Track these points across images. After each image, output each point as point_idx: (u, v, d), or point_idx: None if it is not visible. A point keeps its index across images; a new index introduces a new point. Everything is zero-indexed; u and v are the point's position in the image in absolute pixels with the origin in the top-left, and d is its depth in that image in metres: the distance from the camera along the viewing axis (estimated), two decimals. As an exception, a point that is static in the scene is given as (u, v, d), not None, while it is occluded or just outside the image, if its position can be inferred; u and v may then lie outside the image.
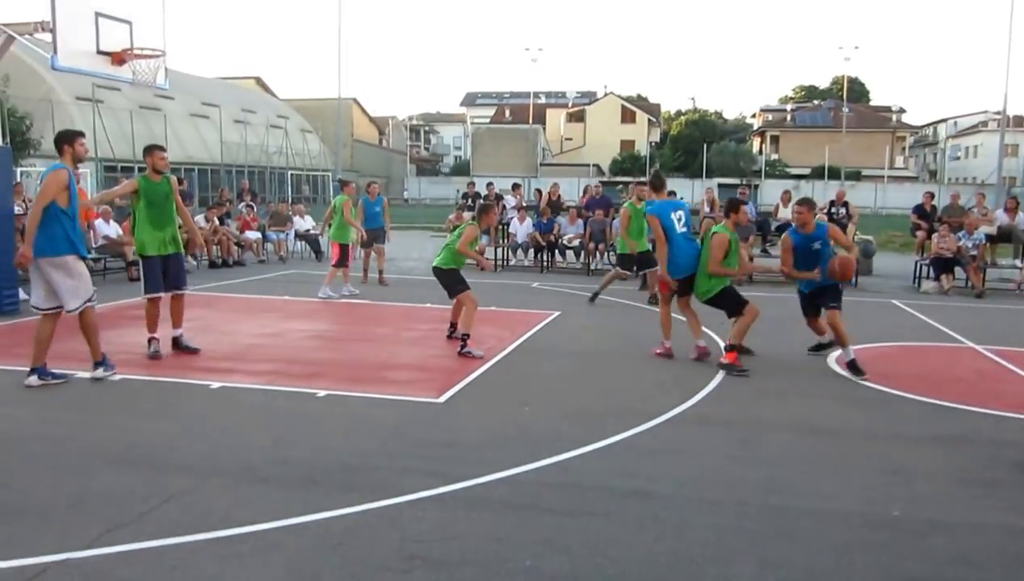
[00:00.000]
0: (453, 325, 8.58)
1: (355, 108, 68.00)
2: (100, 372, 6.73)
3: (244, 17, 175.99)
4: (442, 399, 6.37)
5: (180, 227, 7.94)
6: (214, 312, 10.45)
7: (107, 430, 5.44)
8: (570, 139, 73.85)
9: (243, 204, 18.84)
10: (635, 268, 12.17)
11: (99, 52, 9.82)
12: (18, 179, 11.07)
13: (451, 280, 8.26)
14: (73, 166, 6.60)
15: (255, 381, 6.82)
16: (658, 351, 8.19)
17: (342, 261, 12.13)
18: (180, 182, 18.75)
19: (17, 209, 10.95)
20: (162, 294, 7.68)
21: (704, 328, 8.20)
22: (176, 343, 7.82)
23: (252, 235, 17.41)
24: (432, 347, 8.42)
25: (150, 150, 7.73)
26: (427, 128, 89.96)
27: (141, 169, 7.98)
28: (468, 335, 7.98)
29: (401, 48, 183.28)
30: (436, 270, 8.36)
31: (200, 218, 16.43)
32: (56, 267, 6.39)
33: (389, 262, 14.62)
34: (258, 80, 65.12)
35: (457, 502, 4.28)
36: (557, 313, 10.70)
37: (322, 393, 6.41)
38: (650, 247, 11.40)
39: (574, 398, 6.53)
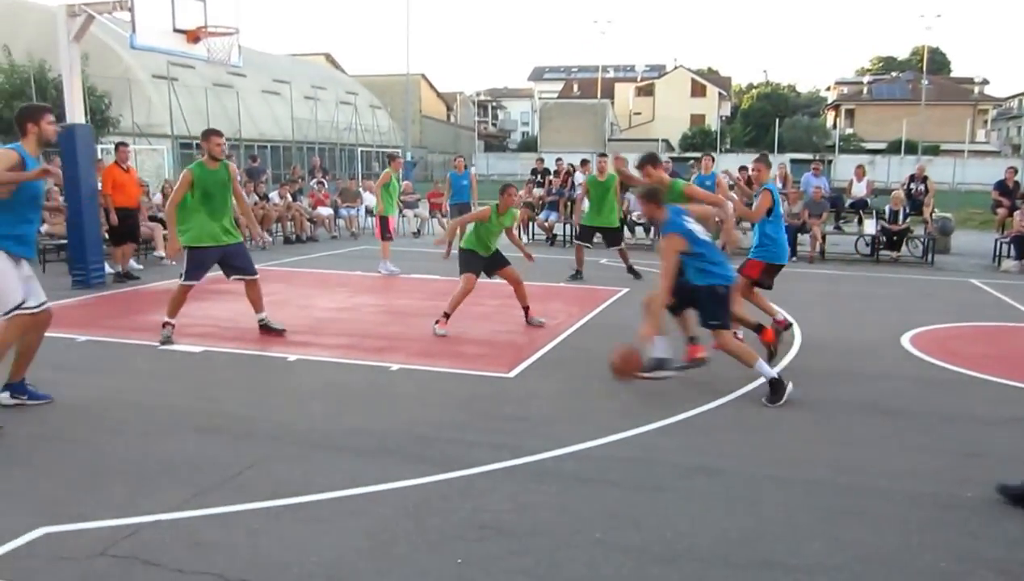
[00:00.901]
0: (526, 309, 8.52)
1: (423, 84, 68.19)
2: (5, 397, 5.42)
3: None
4: (512, 374, 6.46)
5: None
6: (289, 287, 10.75)
7: (192, 399, 5.69)
8: (639, 113, 72.83)
9: (315, 181, 19.22)
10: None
11: (175, 30, 10.10)
12: (99, 156, 11.50)
13: (462, 260, 8.14)
14: (37, 149, 5.28)
15: (330, 354, 7.02)
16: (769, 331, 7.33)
17: (385, 234, 12.21)
18: (254, 160, 19.35)
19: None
20: (195, 284, 7.44)
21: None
22: (263, 326, 7.71)
23: (324, 211, 17.76)
24: (501, 323, 8.51)
25: (207, 136, 7.36)
26: (495, 103, 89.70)
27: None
28: (448, 315, 7.88)
29: (469, 23, 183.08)
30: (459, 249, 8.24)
31: (274, 195, 16.85)
32: None
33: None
34: (328, 56, 65.78)
35: (527, 475, 4.36)
36: (625, 290, 10.67)
37: (395, 367, 6.56)
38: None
39: (643, 374, 6.53)
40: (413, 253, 14.43)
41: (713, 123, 66.47)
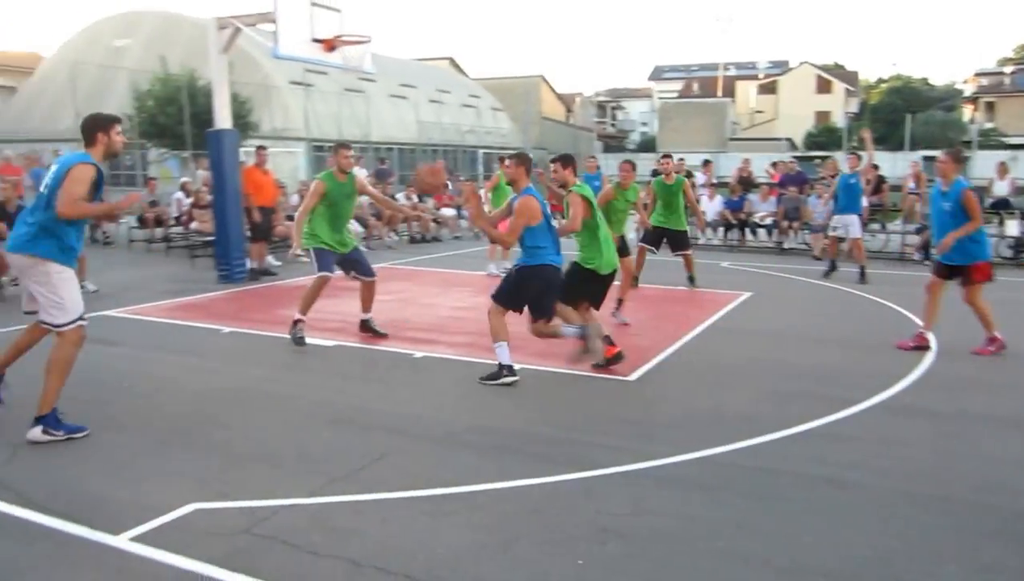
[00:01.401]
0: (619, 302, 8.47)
1: (543, 86, 68.60)
2: (37, 433, 4.86)
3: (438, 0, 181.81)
4: (632, 377, 6.45)
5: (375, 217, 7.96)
6: (415, 285, 11.08)
7: (326, 391, 5.99)
8: (761, 112, 70.76)
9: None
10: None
11: (313, 40, 10.59)
12: (242, 159, 12.20)
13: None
14: (103, 160, 5.06)
15: (454, 352, 7.21)
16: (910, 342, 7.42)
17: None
18: (382, 162, 19.99)
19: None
20: (331, 275, 7.61)
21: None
22: (364, 325, 7.86)
23: (448, 212, 18.17)
24: (621, 325, 8.50)
25: (337, 149, 7.63)
26: (614, 104, 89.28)
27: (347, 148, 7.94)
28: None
29: (588, 24, 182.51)
30: None
31: (400, 196, 17.38)
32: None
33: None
34: (451, 60, 67.15)
35: (648, 480, 4.37)
36: (748, 293, 10.46)
37: (517, 366, 6.65)
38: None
39: (767, 381, 6.41)
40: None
41: (839, 120, 63.80)
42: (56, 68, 38.33)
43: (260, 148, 12.38)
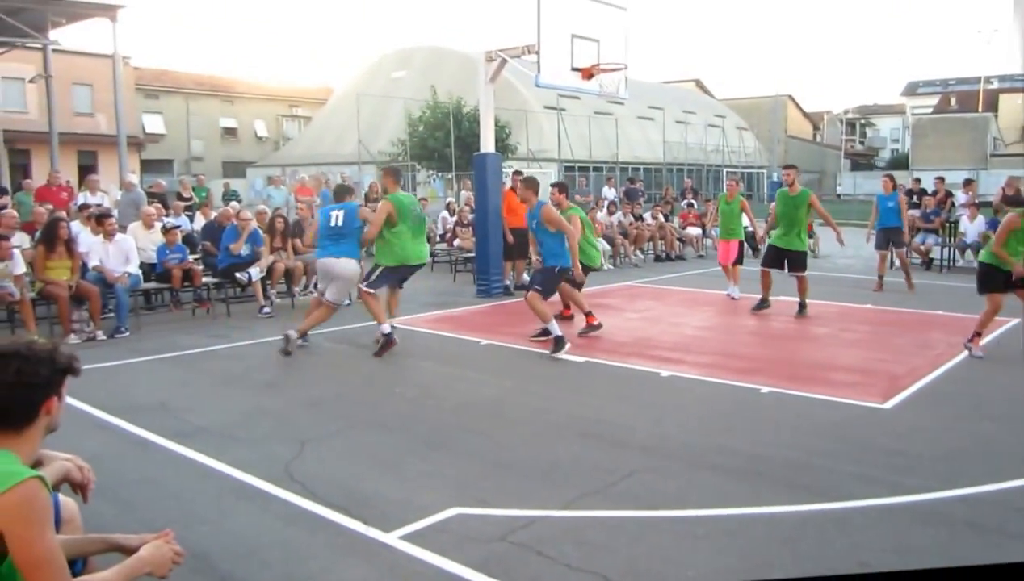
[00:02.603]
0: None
1: (789, 104, 66.06)
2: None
3: (687, 23, 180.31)
4: (888, 405, 6.10)
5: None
6: (661, 304, 11.14)
7: (576, 406, 6.21)
8: (1030, 126, 62.84)
9: (685, 201, 19.61)
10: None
11: (573, 69, 11.05)
12: (504, 180, 12.95)
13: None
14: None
15: (700, 372, 7.19)
16: None
17: (738, 258, 11.64)
18: (632, 182, 20.24)
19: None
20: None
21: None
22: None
23: (693, 231, 18.04)
24: (873, 349, 8.03)
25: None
26: (863, 121, 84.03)
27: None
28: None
29: (839, 41, 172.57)
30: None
31: (647, 215, 17.52)
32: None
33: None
34: (697, 82, 66.46)
35: (910, 515, 4.13)
36: (1016, 320, 9.41)
37: (765, 389, 6.54)
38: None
39: (1045, 417, 5.79)
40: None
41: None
42: (344, 99, 42.75)
43: (516, 172, 13.07)
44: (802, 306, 10.03)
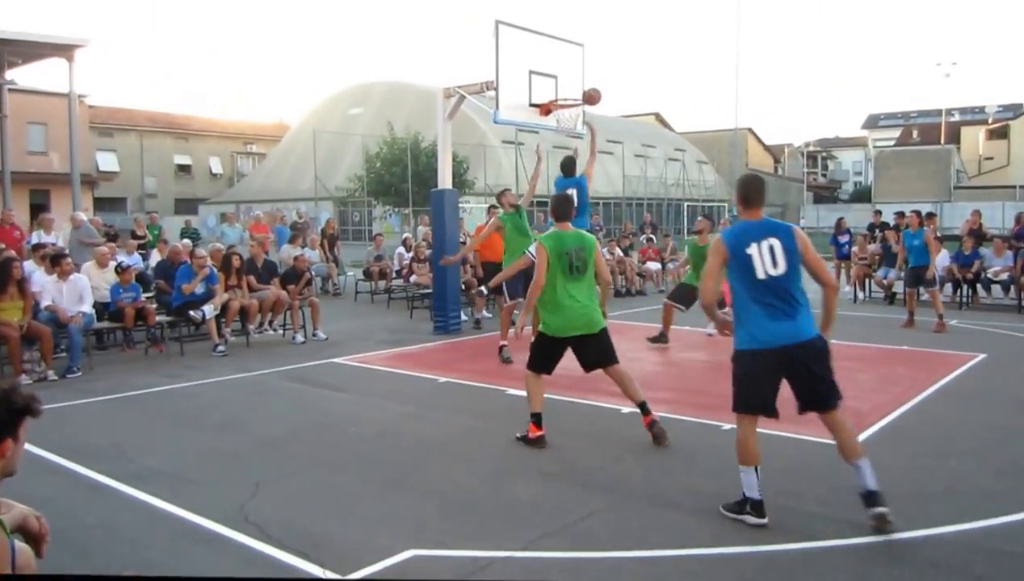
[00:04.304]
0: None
1: (750, 137, 67.33)
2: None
3: (645, 58, 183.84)
4: (853, 444, 6.08)
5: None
6: (621, 339, 11.00)
7: (537, 444, 6.09)
8: (990, 158, 64.89)
9: (644, 236, 19.73)
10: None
11: (531, 104, 11.08)
12: (461, 215, 12.93)
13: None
14: None
15: (661, 409, 7.05)
16: None
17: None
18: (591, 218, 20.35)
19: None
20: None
21: None
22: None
23: (652, 266, 18.14)
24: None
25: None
26: (824, 153, 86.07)
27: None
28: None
29: (798, 75, 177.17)
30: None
31: (604, 250, 17.57)
32: None
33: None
34: (657, 116, 67.54)
35: (875, 555, 4.09)
36: (982, 355, 9.55)
37: (726, 426, 6.47)
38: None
39: (1006, 453, 5.82)
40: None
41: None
42: (299, 135, 42.59)
43: (492, 208, 13.08)
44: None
